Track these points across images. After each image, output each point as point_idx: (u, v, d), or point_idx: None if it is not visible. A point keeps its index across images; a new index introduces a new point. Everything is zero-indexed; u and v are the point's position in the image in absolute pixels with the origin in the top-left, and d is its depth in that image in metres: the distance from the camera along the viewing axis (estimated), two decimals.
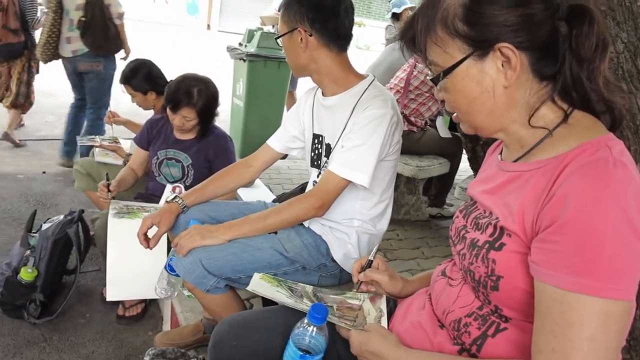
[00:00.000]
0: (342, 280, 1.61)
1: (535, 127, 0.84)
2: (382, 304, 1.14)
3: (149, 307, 2.39)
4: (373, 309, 1.12)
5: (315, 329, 0.97)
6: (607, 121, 0.84)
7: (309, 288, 1.24)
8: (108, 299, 2.15)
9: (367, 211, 1.59)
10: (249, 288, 1.22)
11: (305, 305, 1.10)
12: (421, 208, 3.33)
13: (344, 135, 1.51)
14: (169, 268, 1.59)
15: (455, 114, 0.92)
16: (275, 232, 1.57)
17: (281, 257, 1.51)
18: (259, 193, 3.14)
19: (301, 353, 0.96)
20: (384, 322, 1.07)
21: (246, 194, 2.99)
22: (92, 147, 3.00)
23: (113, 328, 2.24)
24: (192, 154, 2.37)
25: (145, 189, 2.52)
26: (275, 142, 1.78)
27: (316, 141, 1.65)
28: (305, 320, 0.98)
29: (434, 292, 1.00)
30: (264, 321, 1.13)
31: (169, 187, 2.37)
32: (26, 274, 2.15)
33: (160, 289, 1.64)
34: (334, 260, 1.58)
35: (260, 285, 1.24)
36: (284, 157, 1.87)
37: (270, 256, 1.50)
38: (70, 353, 2.04)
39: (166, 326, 2.24)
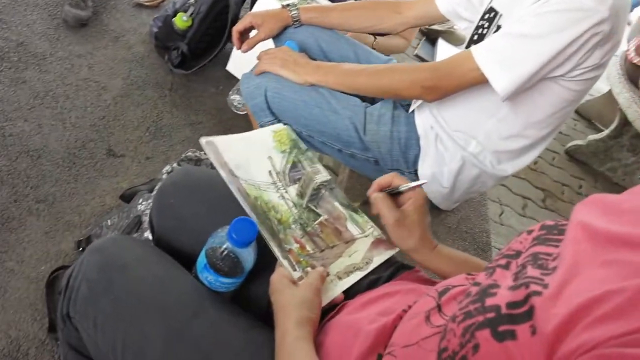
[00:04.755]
0: None
1: None
2: (380, 257, 0.77)
3: None
4: (363, 253, 0.76)
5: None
6: None
7: (323, 176, 0.84)
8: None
9: (498, 139, 1.09)
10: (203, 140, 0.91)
11: (279, 198, 0.78)
12: (635, 175, 2.48)
13: (520, 16, 0.95)
14: None
15: None
16: (372, 102, 1.19)
17: (355, 136, 1.16)
18: None
19: (206, 262, 0.69)
20: (344, 282, 0.71)
21: None
22: None
23: (231, 114, 2.18)
24: None
25: None
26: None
27: (487, 17, 1.10)
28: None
29: (414, 309, 0.60)
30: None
31: None
32: (180, 22, 2.12)
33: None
34: (415, 173, 1.17)
35: (261, 137, 0.91)
36: None
37: (343, 127, 1.16)
38: (181, 112, 2.06)
39: None
